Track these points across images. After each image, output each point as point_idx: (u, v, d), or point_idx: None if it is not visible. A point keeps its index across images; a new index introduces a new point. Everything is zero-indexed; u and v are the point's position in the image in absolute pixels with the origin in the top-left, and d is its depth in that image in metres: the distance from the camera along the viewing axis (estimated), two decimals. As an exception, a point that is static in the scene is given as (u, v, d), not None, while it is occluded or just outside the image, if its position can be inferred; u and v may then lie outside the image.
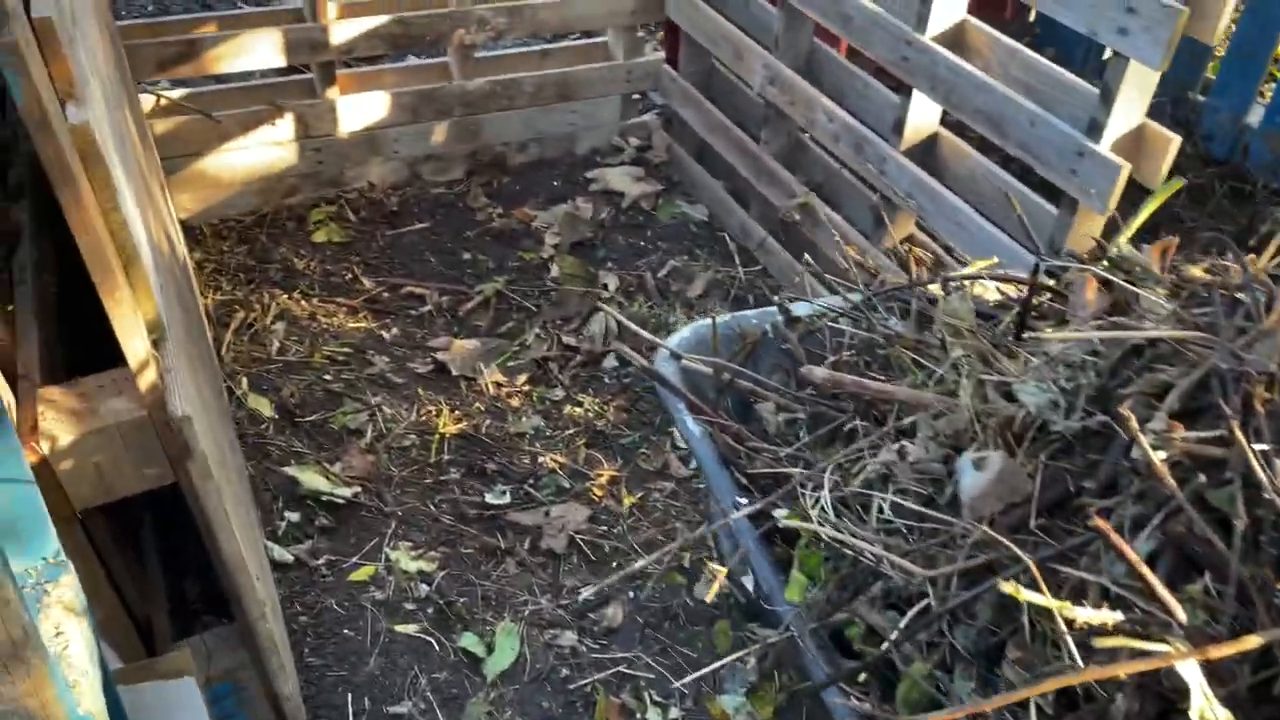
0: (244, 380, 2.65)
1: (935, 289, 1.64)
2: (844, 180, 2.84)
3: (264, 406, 2.58)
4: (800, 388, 1.59)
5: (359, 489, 2.41)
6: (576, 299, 3.05)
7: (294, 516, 2.34)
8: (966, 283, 1.40)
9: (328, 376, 2.72)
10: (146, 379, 1.35)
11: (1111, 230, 2.09)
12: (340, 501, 2.36)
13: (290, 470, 2.41)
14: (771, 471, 1.36)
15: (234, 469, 1.94)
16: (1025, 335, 1.20)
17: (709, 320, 1.69)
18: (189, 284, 2.43)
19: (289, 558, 2.23)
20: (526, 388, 2.78)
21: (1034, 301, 1.27)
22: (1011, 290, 1.71)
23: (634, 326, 1.58)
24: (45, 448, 1.36)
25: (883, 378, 1.40)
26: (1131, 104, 1.94)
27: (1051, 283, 1.57)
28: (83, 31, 1.48)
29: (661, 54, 3.68)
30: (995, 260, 1.82)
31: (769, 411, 1.48)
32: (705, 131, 3.35)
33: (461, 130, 3.39)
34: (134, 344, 1.32)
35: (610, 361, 2.85)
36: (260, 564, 1.86)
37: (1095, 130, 1.98)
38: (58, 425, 1.38)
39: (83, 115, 1.21)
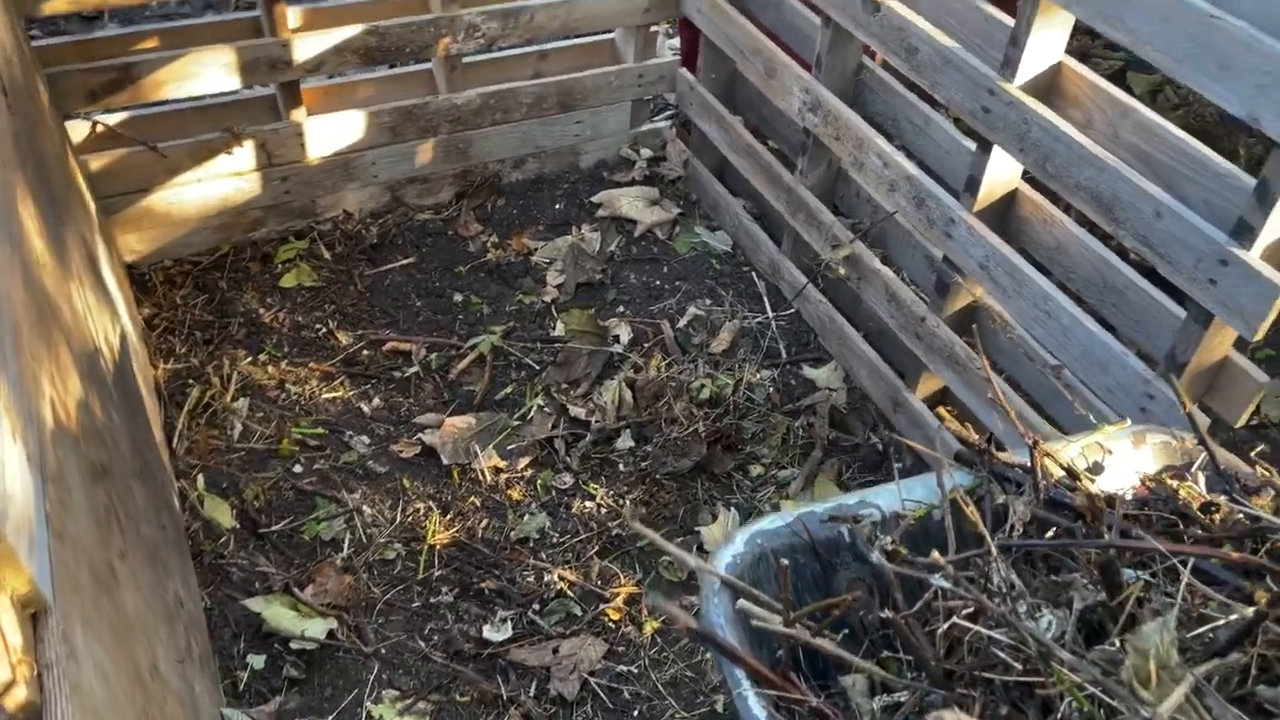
0: (200, 479, 2.27)
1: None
2: (898, 225, 2.42)
3: (223, 514, 2.21)
4: (890, 629, 1.21)
5: (334, 621, 2.06)
6: (585, 358, 2.66)
7: (258, 662, 1.99)
8: (1169, 597, 1.01)
9: (298, 468, 2.34)
10: (14, 699, 0.98)
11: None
12: (312, 645, 2.01)
13: (254, 604, 2.04)
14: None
15: (172, 660, 1.58)
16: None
17: (769, 522, 1.31)
18: (127, 377, 2.04)
19: (251, 725, 1.89)
20: (529, 473, 2.41)
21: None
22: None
23: (671, 548, 1.20)
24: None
25: (1019, 665, 1.04)
26: (1295, 204, 1.53)
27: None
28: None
29: (675, 49, 3.23)
30: (1125, 423, 1.43)
31: (859, 692, 1.11)
32: (729, 151, 2.92)
33: (449, 148, 2.96)
34: (-13, 666, 0.94)
35: (624, 440, 2.47)
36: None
37: (1244, 233, 1.58)
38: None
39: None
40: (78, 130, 2.54)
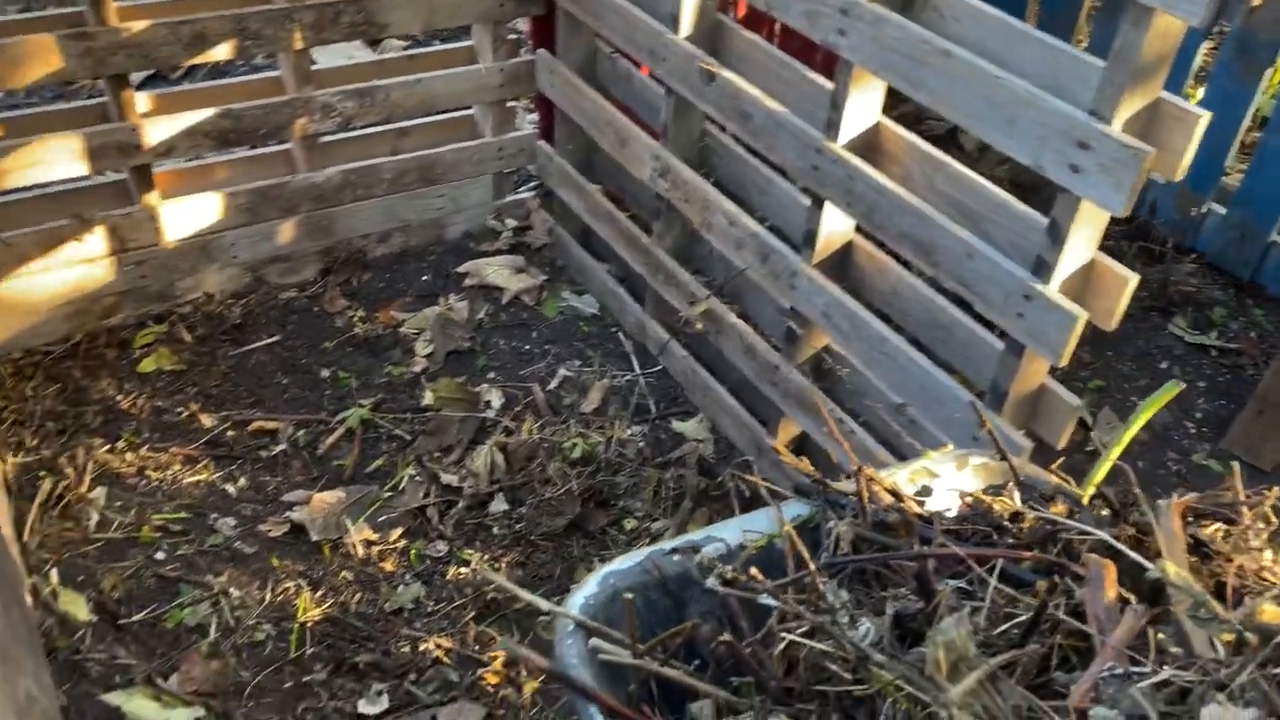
0: (53, 573, 2.19)
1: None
2: (750, 281, 2.54)
3: (79, 608, 2.13)
4: (733, 657, 1.27)
5: (201, 709, 2.00)
6: (456, 425, 2.68)
7: (119, 760, 1.91)
8: (965, 599, 1.10)
9: (160, 555, 2.28)
10: None
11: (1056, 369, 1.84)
12: (177, 736, 1.95)
13: (113, 697, 1.97)
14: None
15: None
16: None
17: (620, 562, 1.36)
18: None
19: (112, 826, 1.81)
20: (402, 543, 2.40)
21: (1048, 606, 0.99)
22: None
23: (523, 593, 1.24)
24: None
25: (850, 676, 1.10)
26: (1083, 241, 1.70)
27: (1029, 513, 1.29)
28: None
29: (535, 122, 3.33)
30: (948, 448, 1.54)
31: (706, 717, 1.16)
32: (590, 218, 3.02)
33: (312, 226, 2.97)
34: None
35: (498, 504, 2.49)
36: None
37: (1042, 269, 1.73)
38: None
39: None
40: (-85, 222, 2.46)
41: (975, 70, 1.72)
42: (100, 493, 2.37)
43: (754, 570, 1.14)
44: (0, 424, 2.50)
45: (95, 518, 2.32)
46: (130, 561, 2.25)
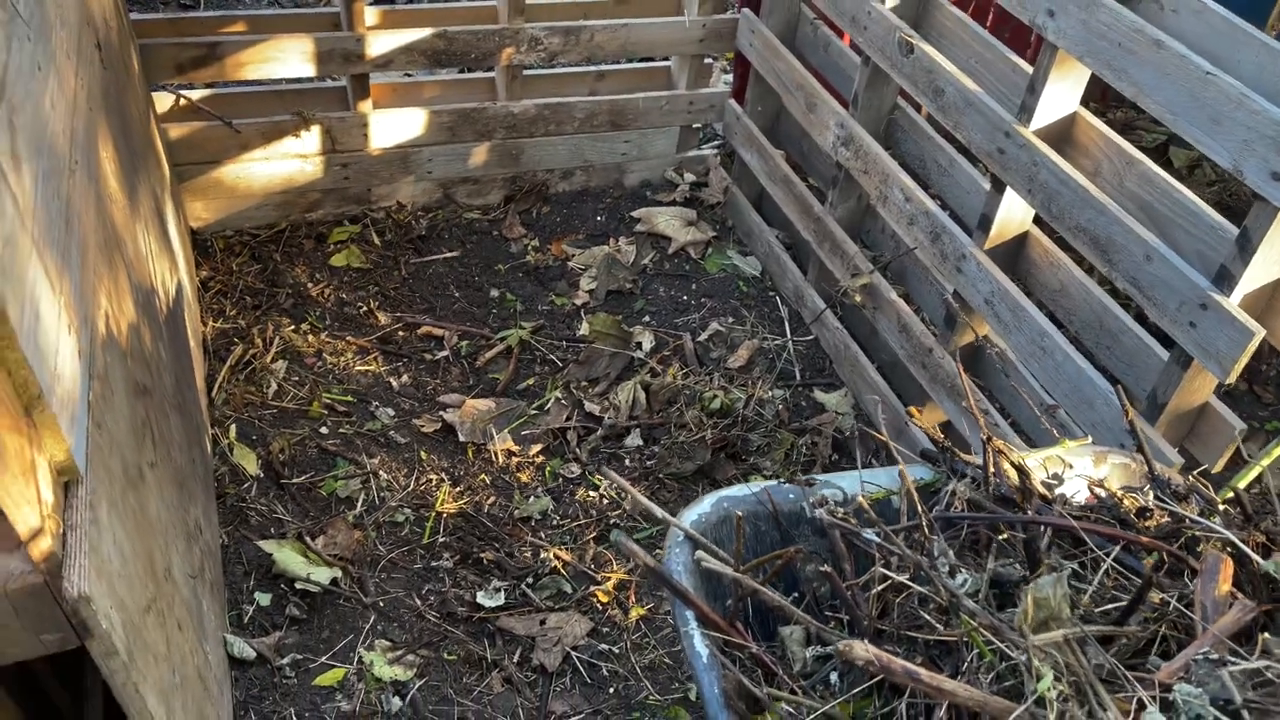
0: (233, 428, 2.42)
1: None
2: (916, 260, 2.53)
3: (250, 462, 2.36)
4: (834, 596, 1.31)
5: (339, 571, 2.18)
6: (606, 359, 2.78)
7: (264, 599, 2.12)
8: (1063, 558, 1.10)
9: (324, 430, 2.49)
10: (40, 547, 1.11)
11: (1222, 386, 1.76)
12: (316, 590, 2.13)
13: (267, 545, 2.18)
14: (788, 740, 1.10)
15: (185, 572, 1.71)
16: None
17: (737, 490, 1.42)
18: (177, 323, 2.20)
19: (250, 653, 2.00)
20: (540, 459, 2.52)
21: (1152, 584, 0.98)
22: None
23: (640, 498, 1.31)
24: (-84, 613, 1.13)
25: (941, 627, 1.13)
26: (1275, 256, 1.61)
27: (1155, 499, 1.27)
28: (10, 105, 1.21)
29: (729, 83, 3.38)
30: (1087, 440, 1.51)
31: (795, 641, 1.20)
32: (766, 180, 3.05)
33: (502, 153, 3.12)
34: (23, 511, 1.08)
35: (633, 439, 2.58)
36: (201, 693, 1.63)
37: (1225, 280, 1.66)
38: (-66, 587, 1.15)
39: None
40: (162, 101, 2.74)
41: (1185, 64, 1.65)
42: (281, 365, 2.60)
43: (863, 501, 1.17)
44: (207, 291, 2.77)
45: (274, 387, 2.55)
46: (298, 430, 2.46)
